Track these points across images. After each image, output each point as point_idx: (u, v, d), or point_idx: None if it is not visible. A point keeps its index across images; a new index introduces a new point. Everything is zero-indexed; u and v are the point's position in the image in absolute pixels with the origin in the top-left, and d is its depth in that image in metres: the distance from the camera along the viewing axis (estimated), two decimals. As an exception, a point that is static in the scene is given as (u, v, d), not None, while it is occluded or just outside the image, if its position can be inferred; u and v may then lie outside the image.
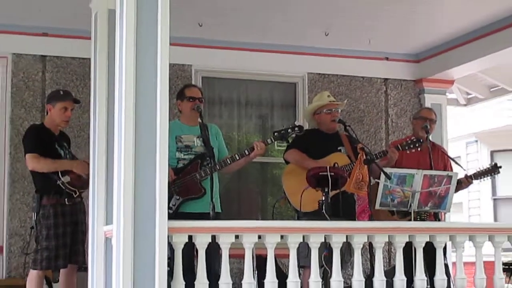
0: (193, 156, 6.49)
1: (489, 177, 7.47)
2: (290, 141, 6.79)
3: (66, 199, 6.42)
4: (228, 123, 9.07)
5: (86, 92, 7.82)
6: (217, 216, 6.13)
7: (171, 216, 5.61)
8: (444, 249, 6.27)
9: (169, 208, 6.06)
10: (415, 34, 8.81)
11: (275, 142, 6.68)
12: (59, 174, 6.39)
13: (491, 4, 7.80)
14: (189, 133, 6.53)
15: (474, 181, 7.39)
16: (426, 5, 7.77)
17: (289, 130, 6.58)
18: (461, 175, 7.34)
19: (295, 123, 6.78)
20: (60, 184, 6.37)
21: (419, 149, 6.97)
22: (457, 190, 7.17)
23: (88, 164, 6.35)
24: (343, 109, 7.41)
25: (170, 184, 6.06)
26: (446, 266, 6.37)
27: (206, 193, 6.29)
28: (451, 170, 7.43)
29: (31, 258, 6.45)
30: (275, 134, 6.59)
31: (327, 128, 6.96)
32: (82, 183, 6.47)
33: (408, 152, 6.96)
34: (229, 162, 6.47)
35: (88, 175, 6.34)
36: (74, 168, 6.44)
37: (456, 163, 7.53)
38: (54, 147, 6.54)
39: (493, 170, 7.42)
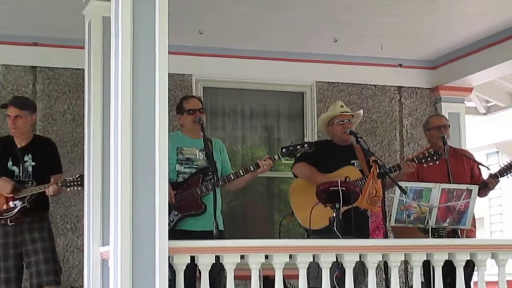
0: (194, 170, 6.50)
1: None
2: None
3: (8, 220, 6.44)
4: (232, 136, 9.08)
5: (79, 105, 7.86)
6: (220, 235, 6.14)
7: (171, 234, 5.62)
8: (472, 270, 6.26)
9: (166, 224, 6.10)
10: (430, 39, 8.81)
11: (282, 158, 6.70)
12: None
13: (511, 8, 7.82)
14: (191, 145, 6.55)
15: (501, 179, 7.33)
16: (442, 8, 7.78)
17: (298, 146, 6.58)
18: (485, 176, 7.35)
19: (305, 140, 6.80)
20: None
21: (437, 162, 6.96)
22: (486, 192, 7.25)
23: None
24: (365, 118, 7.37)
25: (170, 203, 6.10)
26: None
27: (206, 210, 6.30)
28: (480, 172, 7.42)
29: None
30: (283, 150, 6.59)
31: (339, 140, 6.96)
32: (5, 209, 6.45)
33: (425, 165, 6.95)
34: (233, 178, 6.48)
35: (11, 194, 6.38)
36: None
37: (482, 164, 7.52)
38: (6, 164, 6.57)
39: None
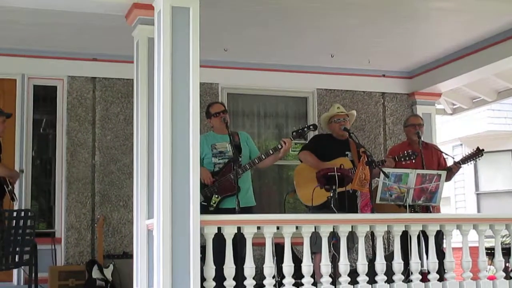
0: (227, 160, 6.44)
1: (475, 160, 7.22)
2: (307, 139, 6.70)
3: None
4: (250, 132, 8.97)
5: (129, 108, 7.87)
6: (250, 210, 6.20)
7: (213, 213, 5.63)
8: (442, 236, 6.23)
9: (210, 205, 6.12)
10: (408, 55, 8.76)
11: (294, 140, 6.56)
12: None
13: (473, 29, 7.76)
14: (222, 140, 6.49)
15: (463, 165, 7.23)
16: (417, 29, 7.74)
17: (305, 129, 6.50)
18: (450, 163, 7.28)
19: (310, 123, 6.73)
20: None
21: (413, 161, 6.86)
22: (450, 176, 7.12)
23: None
24: (356, 118, 7.27)
25: (209, 186, 6.25)
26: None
27: (240, 190, 6.21)
28: (445, 162, 7.36)
29: None
30: (294, 133, 6.51)
31: (337, 134, 6.91)
32: None
33: (403, 163, 6.84)
34: (257, 161, 6.41)
35: None
36: None
37: (447, 154, 7.49)
38: None
39: (477, 153, 7.17)
